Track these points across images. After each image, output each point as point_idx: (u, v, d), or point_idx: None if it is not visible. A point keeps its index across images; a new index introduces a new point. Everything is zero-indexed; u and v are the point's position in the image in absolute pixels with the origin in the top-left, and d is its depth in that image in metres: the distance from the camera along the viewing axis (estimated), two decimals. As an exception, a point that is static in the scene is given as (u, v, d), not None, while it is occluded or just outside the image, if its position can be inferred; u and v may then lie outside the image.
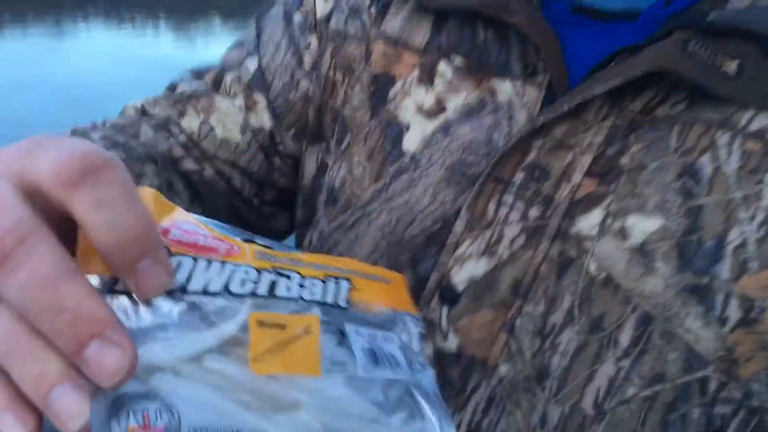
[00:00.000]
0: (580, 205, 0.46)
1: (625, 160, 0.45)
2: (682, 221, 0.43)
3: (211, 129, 0.61)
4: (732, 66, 0.43)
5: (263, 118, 0.62)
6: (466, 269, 0.48)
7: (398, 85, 0.54)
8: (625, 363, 0.43)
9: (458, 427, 0.47)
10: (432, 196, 0.51)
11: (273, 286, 0.32)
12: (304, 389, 0.29)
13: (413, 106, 0.53)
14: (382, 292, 0.39)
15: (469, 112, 0.51)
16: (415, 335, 0.37)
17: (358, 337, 0.33)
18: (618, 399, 0.43)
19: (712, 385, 0.42)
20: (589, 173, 0.46)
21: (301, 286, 0.33)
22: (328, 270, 0.36)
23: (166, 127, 0.62)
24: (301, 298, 0.33)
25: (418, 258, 0.50)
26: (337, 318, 0.33)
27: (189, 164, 0.61)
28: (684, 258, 0.43)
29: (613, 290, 0.44)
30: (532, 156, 0.47)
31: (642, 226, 0.44)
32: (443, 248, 0.49)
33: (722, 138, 0.44)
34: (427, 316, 0.48)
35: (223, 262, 0.31)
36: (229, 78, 0.63)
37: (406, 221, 0.51)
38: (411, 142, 0.53)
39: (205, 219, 0.35)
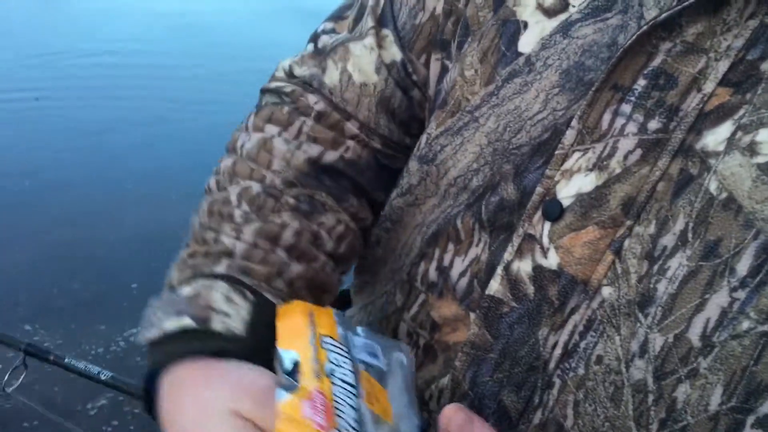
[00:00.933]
0: (709, 118, 0.40)
1: (763, 66, 0.39)
2: None
3: (350, 77, 0.58)
4: None
5: (393, 52, 0.58)
6: (574, 183, 0.43)
7: None
8: (741, 294, 0.38)
9: (554, 347, 0.44)
10: (543, 103, 0.46)
11: None
12: None
13: (534, 2, 0.48)
14: None
15: (595, 10, 0.45)
16: None
17: None
18: (730, 332, 0.38)
19: None
20: (723, 82, 0.40)
21: None
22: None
23: (299, 105, 0.59)
24: None
25: (523, 168, 0.46)
26: None
27: (328, 156, 0.57)
28: None
29: (734, 212, 0.38)
30: (657, 60, 0.41)
31: None
32: (551, 159, 0.44)
33: None
34: (529, 231, 0.45)
35: None
36: (362, 17, 0.60)
37: (514, 128, 0.47)
38: (527, 43, 0.47)
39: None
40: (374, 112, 0.59)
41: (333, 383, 0.36)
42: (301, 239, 0.53)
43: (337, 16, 0.63)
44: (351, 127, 0.59)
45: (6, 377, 1.41)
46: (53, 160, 4.25)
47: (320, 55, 0.61)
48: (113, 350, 2.65)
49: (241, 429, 0.37)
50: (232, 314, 0.45)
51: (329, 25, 0.62)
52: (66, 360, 1.36)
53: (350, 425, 0.35)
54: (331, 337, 0.40)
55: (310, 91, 0.60)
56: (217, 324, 0.45)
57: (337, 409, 0.35)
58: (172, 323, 0.45)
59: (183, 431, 0.39)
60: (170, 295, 0.48)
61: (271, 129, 0.58)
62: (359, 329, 0.44)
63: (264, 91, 0.63)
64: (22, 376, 1.39)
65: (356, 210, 0.58)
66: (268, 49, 6.41)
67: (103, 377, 1.34)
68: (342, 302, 0.67)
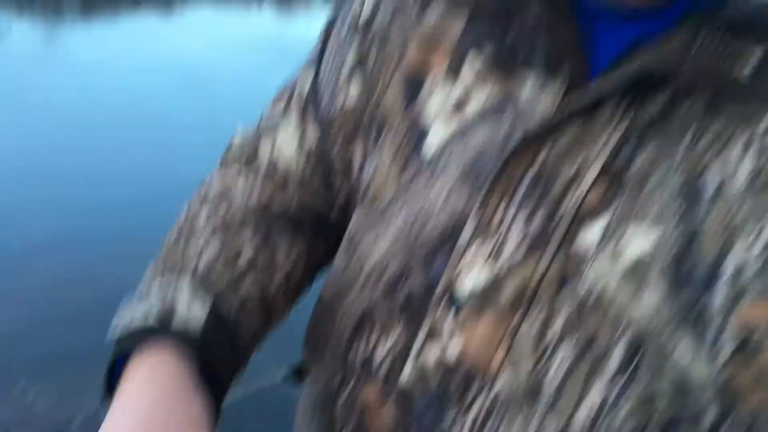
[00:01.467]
0: (585, 215, 0.43)
1: (633, 168, 0.42)
2: (679, 238, 0.41)
3: (280, 154, 0.65)
4: (746, 67, 0.40)
5: (313, 135, 0.64)
6: (472, 276, 0.47)
7: (428, 83, 0.53)
8: (617, 385, 0.42)
9: None
10: (446, 200, 0.50)
11: None
12: None
13: (436, 107, 0.52)
14: None
15: (489, 114, 0.49)
16: None
17: None
18: (609, 421, 0.42)
19: (710, 416, 0.40)
20: (598, 181, 0.43)
21: None
22: None
23: (251, 164, 0.67)
24: None
25: (430, 260, 0.50)
26: None
27: (277, 207, 0.65)
28: (677, 279, 0.41)
29: (605, 309, 0.42)
30: (539, 162, 0.45)
31: (638, 242, 0.42)
32: (453, 253, 0.48)
33: (735, 145, 0.40)
34: (434, 321, 0.48)
35: None
36: (289, 104, 0.66)
37: (421, 222, 0.51)
38: (431, 145, 0.52)
39: None
40: (300, 189, 0.65)
41: None
42: (258, 255, 0.60)
43: (276, 99, 0.68)
44: (289, 192, 0.66)
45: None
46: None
47: (258, 134, 0.68)
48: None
49: None
50: (192, 308, 0.53)
51: (273, 105, 0.69)
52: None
53: None
54: None
55: (255, 159, 0.67)
56: (179, 317, 0.52)
57: None
58: (139, 313, 0.51)
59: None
60: (140, 292, 0.55)
61: (230, 179, 0.66)
62: None
63: (222, 161, 0.71)
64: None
65: (306, 248, 0.65)
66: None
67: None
68: (300, 374, 0.71)
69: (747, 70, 0.40)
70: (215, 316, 0.53)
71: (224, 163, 0.70)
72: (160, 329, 0.50)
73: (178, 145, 5.59)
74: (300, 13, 13.80)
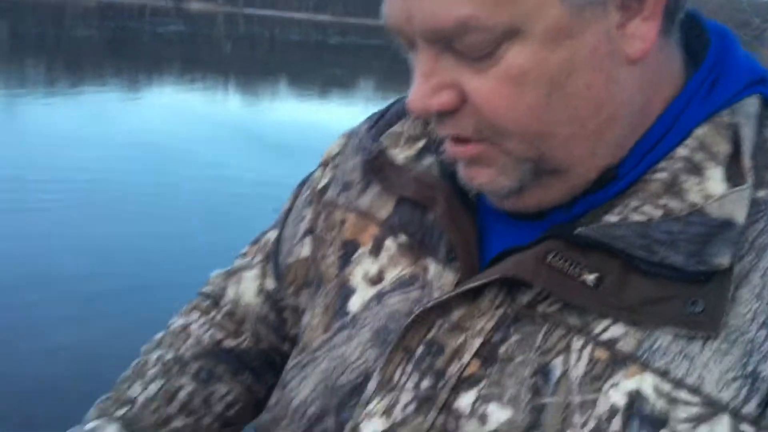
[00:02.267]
0: (464, 384, 0.51)
1: (502, 349, 0.50)
2: (527, 417, 0.48)
3: (240, 297, 0.76)
4: (591, 277, 0.47)
5: (271, 281, 0.74)
6: (372, 424, 0.53)
7: (359, 252, 0.62)
8: None
9: None
10: (360, 353, 0.58)
11: None
12: None
13: (361, 273, 0.61)
14: None
15: (401, 285, 0.58)
16: None
17: None
18: None
19: None
20: (476, 355, 0.51)
21: None
22: None
23: (215, 304, 0.78)
24: None
25: (343, 404, 0.57)
26: None
27: (229, 342, 0.75)
28: None
29: None
30: (432, 333, 0.53)
31: (497, 415, 0.49)
32: (359, 401, 0.55)
33: (576, 343, 0.48)
34: None
35: None
36: (258, 251, 0.77)
37: (339, 371, 0.58)
38: (354, 304, 0.60)
39: None
40: (256, 326, 0.75)
41: None
42: (193, 399, 0.70)
43: (252, 242, 0.79)
44: (244, 328, 0.76)
45: None
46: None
47: (227, 275, 0.79)
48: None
49: None
50: None
51: (245, 249, 0.80)
52: None
53: None
54: None
55: (221, 297, 0.78)
56: None
57: None
58: None
59: None
60: (79, 427, 0.65)
61: (194, 315, 0.77)
62: None
63: (199, 293, 0.81)
64: None
65: (249, 384, 0.74)
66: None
67: None
68: None
69: (592, 277, 0.47)
70: None
71: (200, 295, 0.80)
72: None
73: (131, 218, 5.55)
74: (265, 98, 14.08)
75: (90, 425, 0.65)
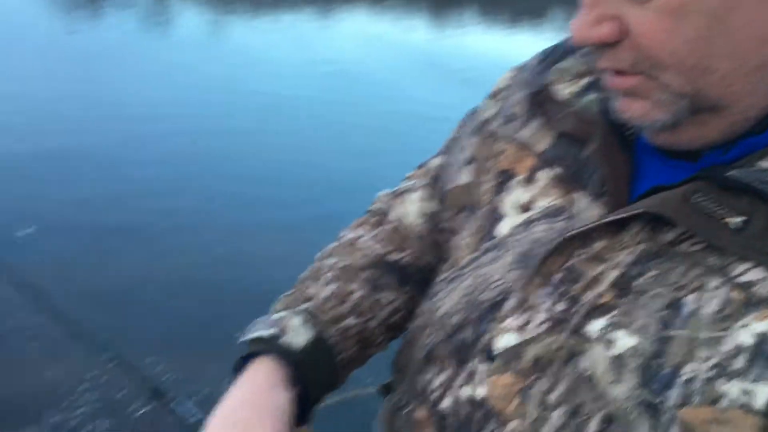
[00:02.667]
0: (596, 311, 0.53)
1: (638, 282, 0.52)
2: (653, 346, 0.50)
3: (404, 216, 0.83)
4: (736, 220, 0.48)
5: (432, 204, 0.81)
6: (505, 338, 0.58)
7: (513, 180, 0.66)
8: None
9: None
10: (503, 274, 0.62)
11: None
12: None
13: (513, 201, 0.65)
14: None
15: (549, 215, 0.62)
16: None
17: None
18: None
19: None
20: (612, 285, 0.53)
21: None
22: None
23: (381, 221, 0.85)
24: None
25: (481, 318, 0.62)
26: None
27: (393, 256, 0.82)
28: (646, 377, 0.50)
29: (592, 386, 0.52)
30: (572, 261, 0.56)
31: (624, 341, 0.51)
32: (497, 317, 0.60)
33: (712, 282, 0.49)
34: (473, 367, 0.60)
35: None
36: (422, 175, 0.84)
37: (482, 288, 0.63)
38: (503, 229, 0.65)
39: None
40: (417, 244, 0.82)
41: None
42: (362, 302, 0.77)
43: (420, 165, 0.87)
44: (407, 245, 0.83)
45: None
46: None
47: (393, 195, 0.87)
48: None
49: None
50: (299, 335, 0.72)
51: (411, 173, 0.87)
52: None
53: None
54: None
55: (387, 215, 0.86)
56: (287, 338, 0.71)
57: None
58: (260, 332, 0.71)
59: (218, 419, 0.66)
60: (267, 316, 0.75)
61: (361, 230, 0.85)
62: None
63: (367, 211, 0.91)
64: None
65: (412, 295, 0.81)
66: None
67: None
68: (386, 389, 0.85)
69: (737, 221, 0.48)
70: (316, 342, 0.72)
71: (368, 212, 0.89)
72: (269, 346, 0.70)
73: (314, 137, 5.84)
74: (453, 26, 13.91)
75: (277, 315, 0.73)
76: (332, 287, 0.77)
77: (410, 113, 6.91)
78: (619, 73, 0.52)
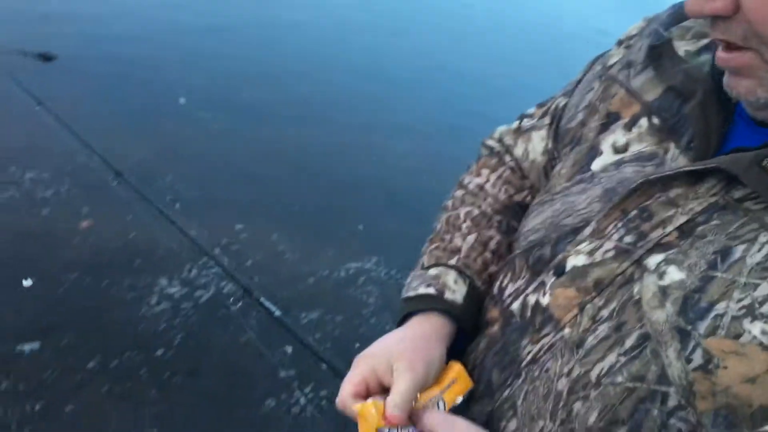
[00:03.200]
0: (659, 248, 0.60)
1: (700, 228, 0.58)
2: (696, 282, 0.56)
3: (528, 154, 0.88)
4: None
5: (554, 139, 0.85)
6: (577, 259, 0.65)
7: (617, 123, 0.72)
8: (623, 359, 0.58)
9: (528, 353, 0.67)
10: (587, 204, 0.68)
11: None
12: None
13: (612, 141, 0.71)
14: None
15: (640, 159, 0.67)
16: None
17: None
18: (611, 380, 0.59)
19: (672, 402, 0.56)
20: (678, 229, 0.59)
21: None
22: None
23: (500, 161, 0.91)
24: None
25: (560, 239, 0.69)
26: None
27: (518, 197, 0.88)
28: (684, 307, 0.56)
29: (637, 308, 0.59)
30: (648, 202, 0.62)
31: (673, 275, 0.58)
32: (574, 240, 0.67)
33: (763, 238, 0.55)
34: (544, 279, 0.68)
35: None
36: (545, 113, 0.87)
37: (567, 213, 0.70)
38: (597, 164, 0.71)
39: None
40: (537, 178, 0.88)
41: None
42: (501, 247, 0.83)
43: (539, 105, 0.91)
44: (527, 183, 0.89)
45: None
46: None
47: (517, 133, 0.91)
48: (335, 276, 3.12)
49: (369, 370, 0.70)
50: (457, 291, 0.78)
51: (531, 111, 0.91)
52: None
53: None
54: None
55: (508, 153, 0.91)
56: (448, 295, 0.77)
57: None
58: (423, 290, 0.78)
59: (375, 345, 0.74)
60: (422, 272, 0.81)
61: (485, 174, 0.90)
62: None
63: (483, 144, 0.95)
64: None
65: None
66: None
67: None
68: None
69: None
70: (470, 293, 0.79)
71: (487, 150, 0.93)
72: (437, 301, 0.77)
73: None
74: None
75: (434, 271, 0.79)
76: (473, 236, 0.82)
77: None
78: (730, 46, 0.55)
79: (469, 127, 4.76)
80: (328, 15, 6.92)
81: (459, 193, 0.90)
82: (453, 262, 0.80)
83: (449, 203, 0.89)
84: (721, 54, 0.57)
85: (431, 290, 0.77)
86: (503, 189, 0.88)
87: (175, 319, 2.64)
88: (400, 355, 0.70)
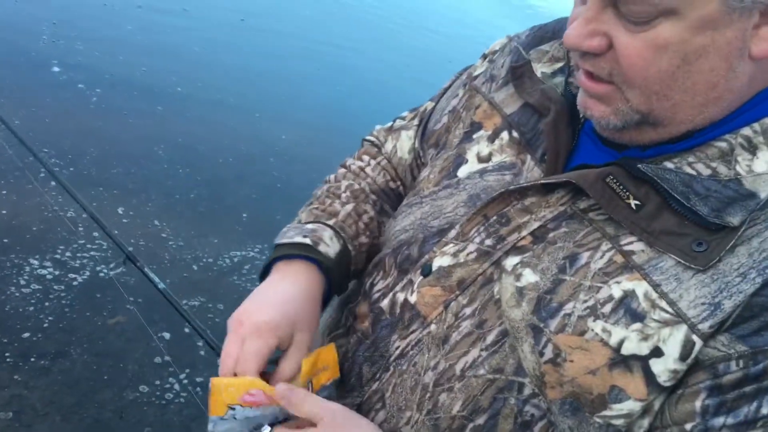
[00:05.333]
0: (515, 250, 0.66)
1: (551, 234, 0.65)
2: (548, 284, 0.63)
3: (396, 151, 0.95)
4: (634, 202, 0.61)
5: (419, 139, 0.92)
6: (441, 259, 0.71)
7: (480, 133, 0.78)
8: (485, 353, 0.65)
9: (397, 348, 0.71)
10: (453, 208, 0.74)
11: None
12: None
13: (476, 150, 0.77)
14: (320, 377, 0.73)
15: (501, 168, 0.74)
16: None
17: None
18: (474, 372, 0.65)
19: (527, 391, 0.63)
20: (531, 233, 0.66)
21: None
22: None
23: (379, 151, 0.97)
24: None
25: (426, 240, 0.74)
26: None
27: (392, 184, 0.94)
28: (537, 306, 0.63)
29: (497, 307, 0.65)
30: (507, 209, 0.69)
31: (528, 277, 0.64)
32: (440, 242, 0.72)
33: (605, 246, 0.62)
34: (411, 277, 0.73)
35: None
36: (415, 116, 0.95)
37: (434, 216, 0.76)
38: (463, 172, 0.77)
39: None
40: (405, 175, 0.95)
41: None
42: (372, 223, 0.88)
43: (412, 109, 0.98)
44: (399, 176, 0.95)
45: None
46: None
47: (389, 131, 0.98)
48: (219, 264, 3.08)
49: (275, 342, 0.71)
50: (331, 247, 0.80)
51: (405, 114, 0.98)
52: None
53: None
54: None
55: (383, 148, 0.98)
56: (323, 248, 0.79)
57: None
58: (299, 239, 0.79)
59: (248, 301, 0.74)
60: (299, 225, 0.83)
61: (365, 159, 0.96)
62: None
63: (364, 140, 1.01)
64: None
65: None
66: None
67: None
68: None
69: (635, 203, 0.61)
70: (342, 252, 0.81)
71: (367, 142, 1.00)
72: (311, 250, 0.78)
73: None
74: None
75: (311, 226, 0.82)
76: (351, 206, 0.86)
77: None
78: (593, 77, 0.62)
79: (350, 126, 4.81)
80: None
81: (341, 171, 0.96)
82: (330, 222, 0.83)
83: (331, 177, 0.94)
84: (584, 80, 0.63)
85: (307, 240, 0.78)
86: (382, 173, 0.94)
87: (44, 301, 2.51)
88: (302, 324, 0.72)
